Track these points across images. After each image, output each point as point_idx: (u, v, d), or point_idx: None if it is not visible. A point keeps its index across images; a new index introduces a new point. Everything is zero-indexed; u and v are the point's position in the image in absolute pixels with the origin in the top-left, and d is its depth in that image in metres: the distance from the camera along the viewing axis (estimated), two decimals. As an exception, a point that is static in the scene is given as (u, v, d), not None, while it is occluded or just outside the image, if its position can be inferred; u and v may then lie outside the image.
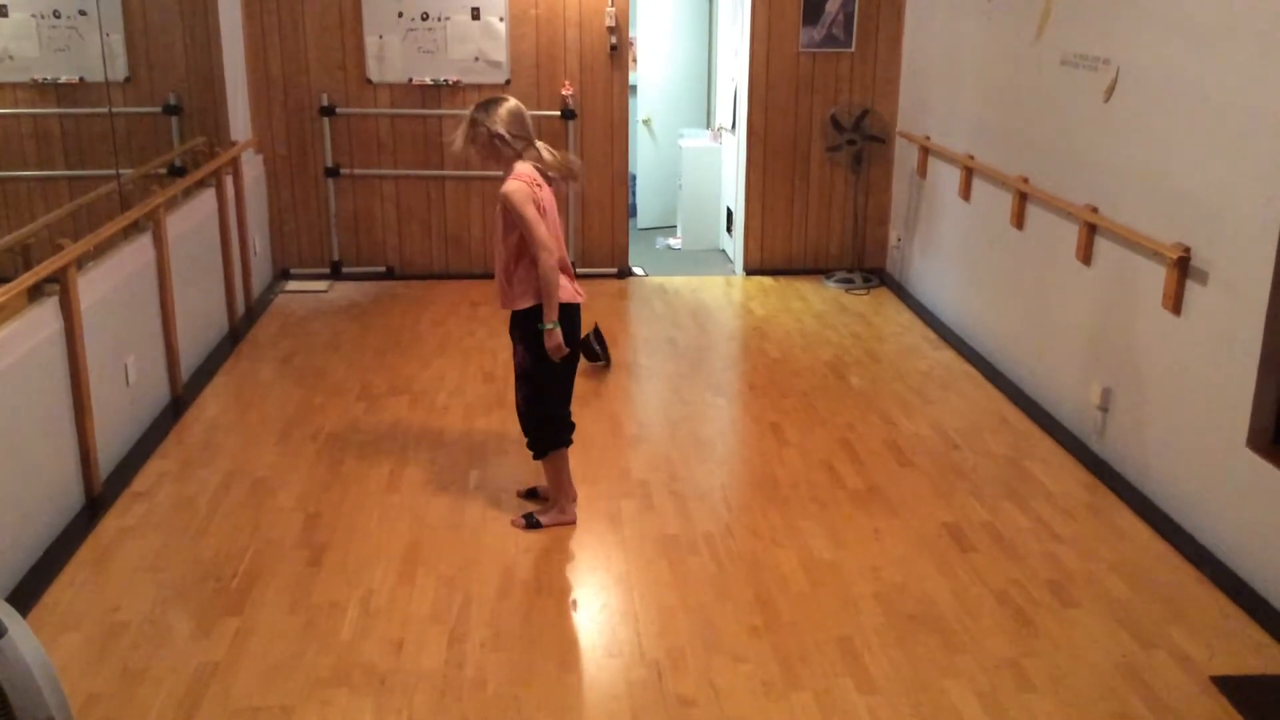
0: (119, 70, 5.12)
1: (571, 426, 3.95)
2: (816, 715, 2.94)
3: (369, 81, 6.91)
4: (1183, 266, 3.89)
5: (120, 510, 4.03)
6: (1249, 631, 3.33)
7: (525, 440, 3.96)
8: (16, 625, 2.21)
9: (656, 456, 4.55)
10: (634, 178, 8.55)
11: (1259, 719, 2.93)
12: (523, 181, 3.63)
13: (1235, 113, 3.63)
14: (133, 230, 4.74)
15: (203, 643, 3.23)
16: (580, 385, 4.36)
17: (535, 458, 3.96)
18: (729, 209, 7.93)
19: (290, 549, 3.77)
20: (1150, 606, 3.46)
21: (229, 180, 6.12)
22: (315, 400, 5.11)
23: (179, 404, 5.02)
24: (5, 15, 4.91)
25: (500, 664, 3.15)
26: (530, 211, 3.59)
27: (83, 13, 4.96)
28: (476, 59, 6.91)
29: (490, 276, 6.83)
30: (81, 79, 4.96)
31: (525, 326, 3.76)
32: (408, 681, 3.07)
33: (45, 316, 3.81)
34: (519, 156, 3.71)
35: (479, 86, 6.89)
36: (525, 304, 3.73)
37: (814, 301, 6.80)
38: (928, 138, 6.58)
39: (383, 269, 7.21)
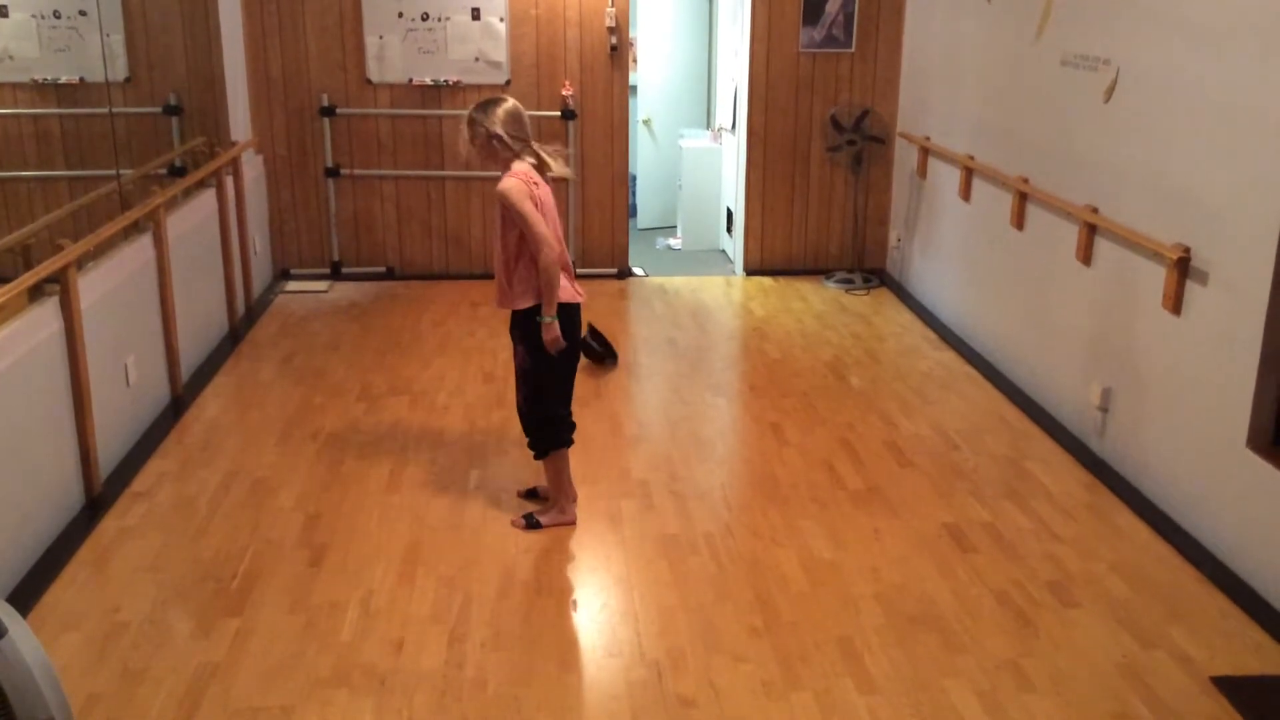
0: (119, 70, 5.12)
1: (572, 426, 3.95)
2: (816, 715, 2.94)
3: (369, 82, 6.91)
4: (1183, 267, 3.89)
5: (120, 510, 4.03)
6: (1249, 632, 3.33)
7: (526, 440, 3.96)
8: (16, 625, 2.21)
9: (656, 456, 4.55)
10: (634, 178, 8.55)
11: (1259, 719, 2.93)
12: (519, 178, 3.64)
13: (1235, 113, 3.63)
14: (133, 230, 4.74)
15: (203, 643, 3.23)
16: (580, 385, 4.36)
17: (536, 458, 3.96)
18: (729, 209, 7.93)
19: (290, 549, 3.77)
20: (1150, 607, 3.46)
21: (229, 180, 6.12)
22: (315, 400, 5.11)
23: (179, 404, 5.02)
24: (5, 15, 4.91)
25: (500, 664, 3.15)
26: (528, 207, 3.60)
27: (83, 13, 4.96)
28: (477, 59, 6.91)
29: (490, 277, 6.83)
30: (82, 79, 4.96)
31: (525, 326, 3.76)
32: (408, 682, 3.07)
33: (45, 316, 3.81)
34: (517, 158, 3.71)
35: (479, 87, 6.89)
36: (525, 303, 3.73)
37: (814, 302, 6.80)
38: (928, 138, 6.58)
39: (383, 269, 7.22)
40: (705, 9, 8.75)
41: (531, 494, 4.17)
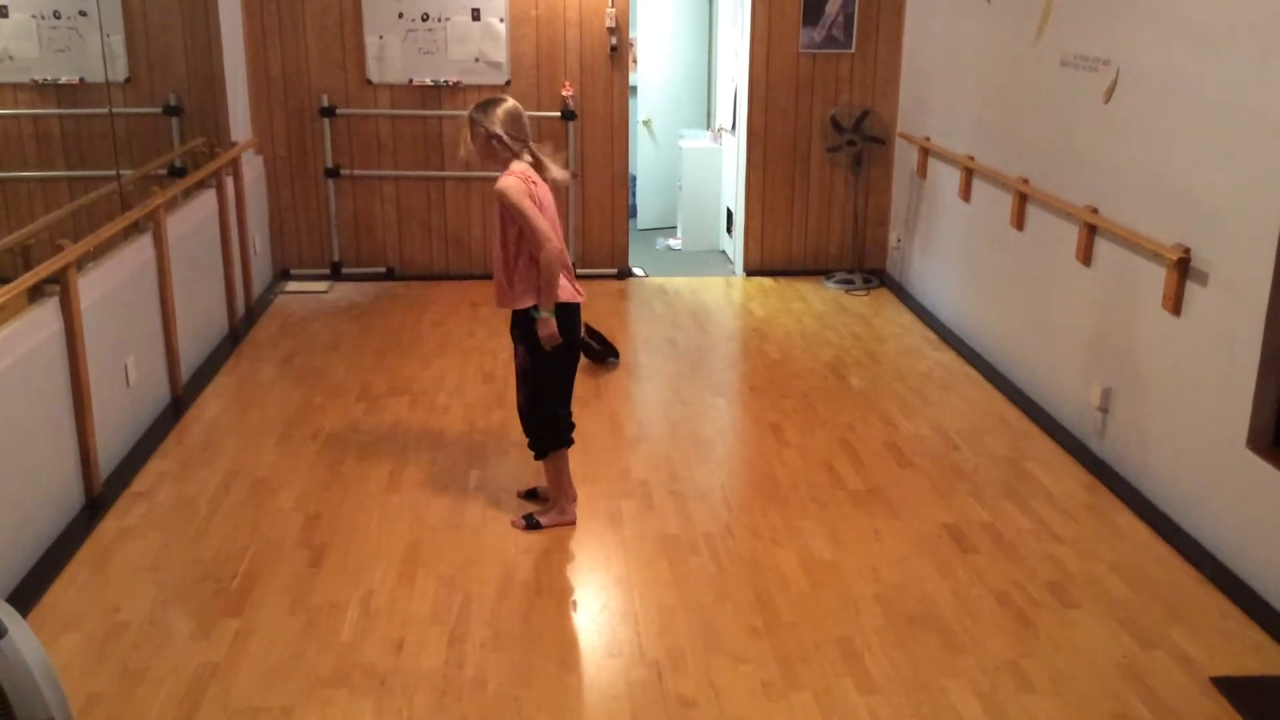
0: (119, 71, 5.12)
1: (571, 426, 3.95)
2: (816, 715, 2.94)
3: (369, 82, 6.91)
4: (1183, 267, 3.89)
5: (120, 510, 4.03)
6: (1248, 632, 3.33)
7: (526, 440, 3.96)
8: (16, 625, 2.21)
9: (657, 457, 4.55)
10: (634, 178, 8.56)
11: (1259, 719, 2.93)
12: (517, 177, 3.64)
13: (1235, 113, 3.63)
14: (133, 231, 4.74)
15: (203, 643, 3.23)
16: (580, 385, 4.37)
17: (536, 458, 3.96)
18: (729, 210, 7.93)
19: (290, 549, 3.77)
20: (1150, 607, 3.46)
21: (229, 181, 6.12)
22: (315, 401, 5.11)
23: (179, 404, 5.02)
24: (5, 16, 4.91)
25: (500, 664, 3.15)
26: (528, 205, 3.60)
27: (83, 13, 4.96)
28: (477, 60, 6.91)
29: (490, 277, 6.82)
30: (82, 79, 4.96)
31: (526, 325, 3.76)
32: (408, 682, 3.07)
33: (45, 317, 3.81)
34: (516, 158, 3.71)
35: (479, 87, 6.89)
36: (526, 303, 3.73)
37: (814, 302, 6.80)
38: (928, 139, 6.58)
39: (383, 269, 7.22)
40: (705, 9, 8.75)
41: (531, 494, 4.17)
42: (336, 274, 7.17)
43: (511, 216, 3.65)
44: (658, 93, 8.79)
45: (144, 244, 4.81)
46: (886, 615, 3.40)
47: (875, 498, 4.19)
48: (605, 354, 5.61)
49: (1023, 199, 5.26)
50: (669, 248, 8.38)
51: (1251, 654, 3.23)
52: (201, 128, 6.00)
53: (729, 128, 7.84)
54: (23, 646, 2.18)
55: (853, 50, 7.05)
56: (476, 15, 6.84)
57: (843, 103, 7.09)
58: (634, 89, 8.17)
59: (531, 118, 3.81)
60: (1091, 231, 4.57)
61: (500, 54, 6.91)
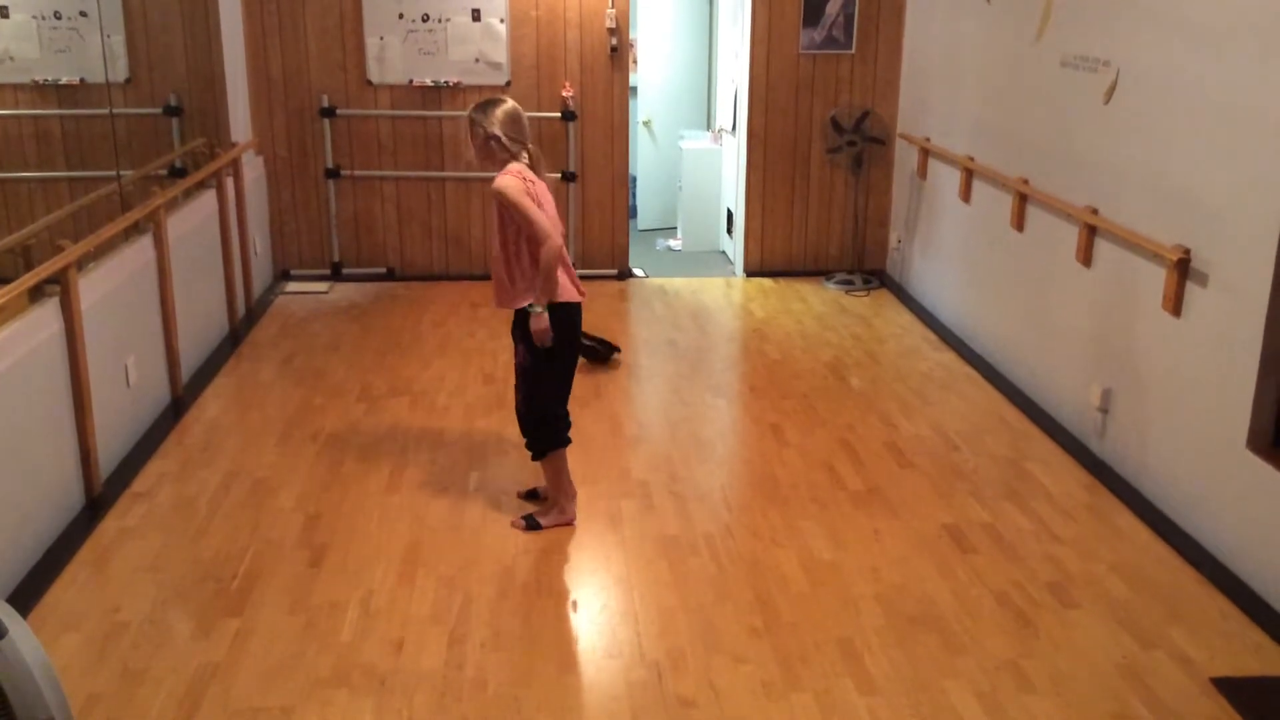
0: (119, 71, 5.12)
1: (568, 425, 3.95)
2: (816, 716, 2.94)
3: (369, 83, 6.91)
4: (1183, 268, 3.89)
5: (120, 511, 4.03)
6: (1248, 633, 3.33)
7: (524, 441, 3.96)
8: (17, 626, 2.21)
9: (657, 457, 4.55)
10: (634, 179, 8.56)
11: (1258, 719, 2.94)
12: (514, 175, 3.65)
13: (1235, 113, 3.63)
14: (133, 231, 4.74)
15: (203, 643, 3.23)
16: (580, 385, 4.37)
17: (534, 458, 3.96)
18: (729, 210, 7.93)
19: (290, 550, 3.77)
20: (1150, 607, 3.46)
21: (229, 181, 6.12)
22: (315, 401, 5.11)
23: (179, 405, 5.02)
24: (6, 16, 4.92)
25: (500, 665, 3.15)
26: (527, 202, 3.61)
27: (83, 14, 4.96)
28: (477, 60, 6.91)
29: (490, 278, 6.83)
30: (82, 80, 4.96)
31: (527, 325, 3.76)
32: (408, 682, 3.07)
33: (46, 317, 3.81)
34: (514, 159, 3.72)
35: (479, 88, 6.90)
36: (527, 301, 3.73)
37: (814, 303, 6.80)
38: (928, 139, 6.58)
39: (383, 270, 7.22)
40: (705, 10, 8.76)
41: (531, 495, 4.17)
42: (337, 274, 7.17)
43: (511, 215, 3.65)
44: (658, 93, 8.80)
45: (144, 244, 4.81)
46: (886, 615, 3.40)
47: (875, 498, 4.19)
48: (607, 352, 5.61)
49: (1023, 199, 5.26)
50: (669, 248, 8.39)
51: (1251, 654, 3.23)
52: (202, 128, 6.01)
53: (729, 128, 7.84)
54: (23, 646, 2.18)
55: (853, 51, 7.05)
56: (477, 16, 6.84)
57: (843, 103, 7.09)
58: (634, 90, 8.17)
59: (532, 118, 3.82)
60: (1091, 232, 4.57)
61: (500, 55, 6.91)
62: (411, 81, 6.91)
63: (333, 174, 7.01)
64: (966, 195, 6.00)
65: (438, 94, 6.96)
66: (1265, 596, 3.47)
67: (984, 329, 5.78)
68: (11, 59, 4.95)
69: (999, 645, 3.25)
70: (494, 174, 3.72)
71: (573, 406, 3.98)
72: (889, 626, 3.35)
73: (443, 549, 3.79)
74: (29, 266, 3.82)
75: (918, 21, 6.84)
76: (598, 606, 3.47)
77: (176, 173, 5.56)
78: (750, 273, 7.42)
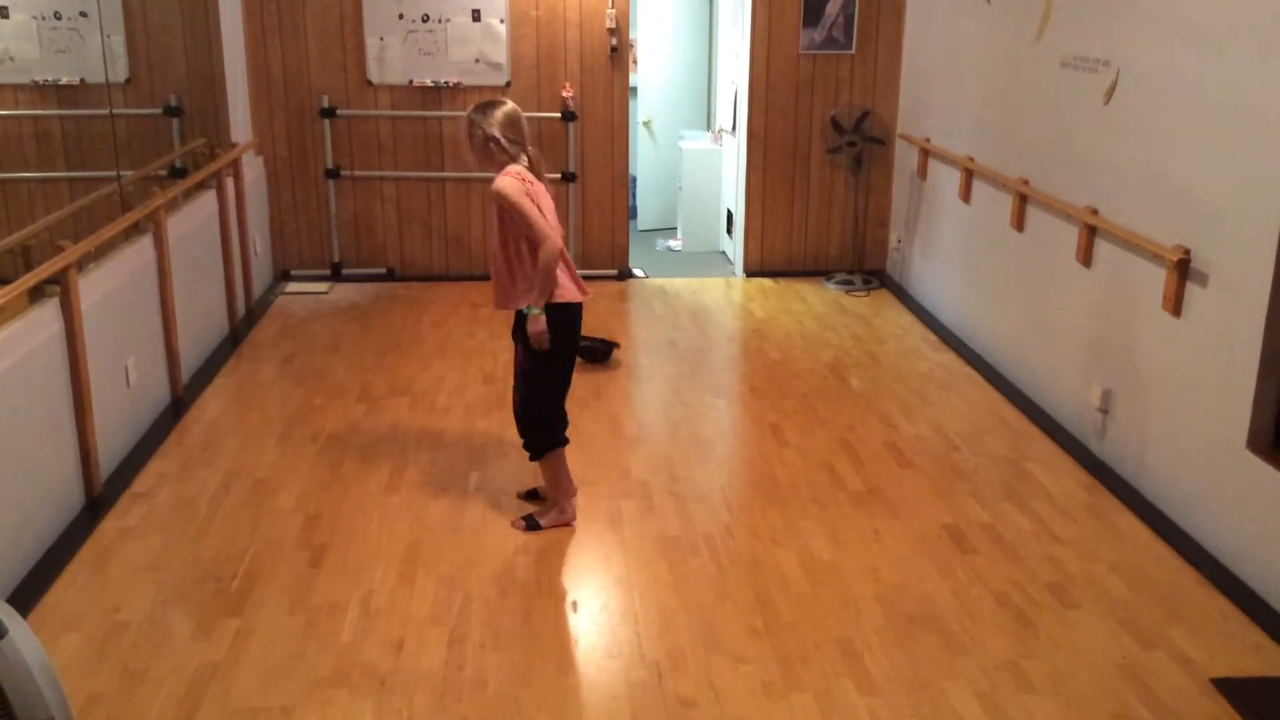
0: (120, 72, 5.12)
1: (565, 425, 3.95)
2: (816, 716, 2.94)
3: (369, 83, 6.91)
4: (1183, 268, 3.89)
5: (120, 511, 4.03)
6: (1249, 633, 3.33)
7: (522, 442, 3.96)
8: (17, 626, 2.21)
9: (657, 457, 4.55)
10: (634, 179, 8.56)
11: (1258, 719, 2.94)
12: (513, 177, 3.65)
13: (1235, 113, 3.63)
14: (133, 231, 4.74)
15: (203, 643, 3.23)
16: (580, 385, 4.37)
17: (532, 459, 3.96)
18: (729, 211, 7.93)
19: (290, 550, 3.77)
20: (1150, 608, 3.46)
21: (229, 182, 6.12)
22: (315, 401, 5.11)
23: (179, 405, 5.02)
24: (6, 17, 4.92)
25: (500, 665, 3.15)
26: (526, 203, 3.61)
27: (83, 14, 4.96)
28: (477, 61, 6.91)
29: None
30: (82, 80, 4.96)
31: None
32: (408, 682, 3.07)
33: (46, 317, 3.81)
34: (512, 161, 3.72)
35: (479, 88, 6.90)
36: (527, 302, 3.73)
37: (814, 303, 6.80)
38: (928, 139, 6.58)
39: (383, 270, 7.22)
40: (705, 10, 8.76)
41: (531, 495, 4.17)
42: (337, 275, 7.17)
43: (510, 216, 3.66)
44: (658, 94, 8.80)
45: (144, 245, 4.81)
46: (886, 615, 3.40)
47: (875, 498, 4.19)
48: (606, 351, 5.61)
49: (1023, 200, 5.26)
50: (669, 249, 8.39)
51: (1251, 655, 3.23)
52: (202, 128, 6.01)
53: (729, 129, 7.84)
54: (23, 647, 2.18)
55: (853, 51, 7.06)
56: (477, 16, 6.84)
57: (843, 104, 7.10)
58: (634, 90, 8.17)
59: (532, 119, 3.83)
60: (1091, 232, 4.57)
61: (500, 55, 6.91)
62: (411, 82, 6.91)
63: (333, 174, 7.01)
64: (966, 195, 6.00)
65: (438, 94, 6.96)
66: (1265, 597, 3.47)
67: (984, 329, 5.78)
68: (11, 59, 4.95)
69: (999, 645, 3.25)
70: (493, 174, 3.73)
71: (572, 406, 3.98)
72: (889, 626, 3.35)
73: (443, 549, 3.79)
74: (29, 267, 3.82)
75: (918, 22, 6.84)
76: (598, 607, 3.47)
77: (176, 173, 5.56)
78: (750, 273, 7.42)
